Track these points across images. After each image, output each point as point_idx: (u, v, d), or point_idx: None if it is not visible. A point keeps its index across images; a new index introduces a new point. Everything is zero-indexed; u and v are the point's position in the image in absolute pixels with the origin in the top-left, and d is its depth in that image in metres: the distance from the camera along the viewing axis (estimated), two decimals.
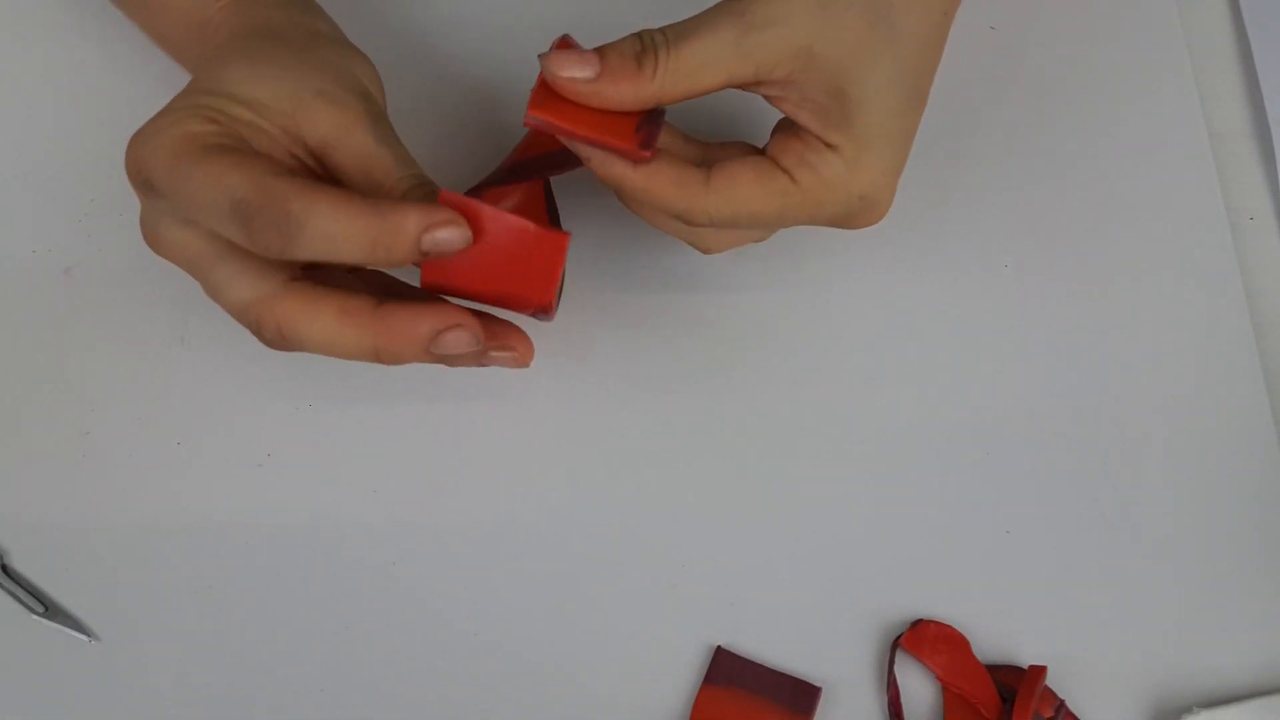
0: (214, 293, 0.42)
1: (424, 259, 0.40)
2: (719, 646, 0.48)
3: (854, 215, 0.44)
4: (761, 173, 0.43)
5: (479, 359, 0.44)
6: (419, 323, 0.41)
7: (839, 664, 0.48)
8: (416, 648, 0.48)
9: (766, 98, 0.43)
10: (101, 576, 0.48)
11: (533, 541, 0.49)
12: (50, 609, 0.48)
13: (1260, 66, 0.57)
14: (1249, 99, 0.57)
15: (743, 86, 0.43)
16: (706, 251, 0.48)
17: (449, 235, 0.39)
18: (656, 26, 0.42)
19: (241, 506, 0.49)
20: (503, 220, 0.41)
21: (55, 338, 0.52)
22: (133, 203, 0.53)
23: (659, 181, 0.43)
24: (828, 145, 0.42)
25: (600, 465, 0.50)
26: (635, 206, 0.45)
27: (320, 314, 0.41)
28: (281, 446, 0.50)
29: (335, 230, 0.38)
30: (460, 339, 0.41)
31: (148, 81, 0.54)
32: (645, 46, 0.41)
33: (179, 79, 0.55)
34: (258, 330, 0.42)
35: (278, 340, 0.42)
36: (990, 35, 0.57)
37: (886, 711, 0.47)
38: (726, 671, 0.47)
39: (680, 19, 0.42)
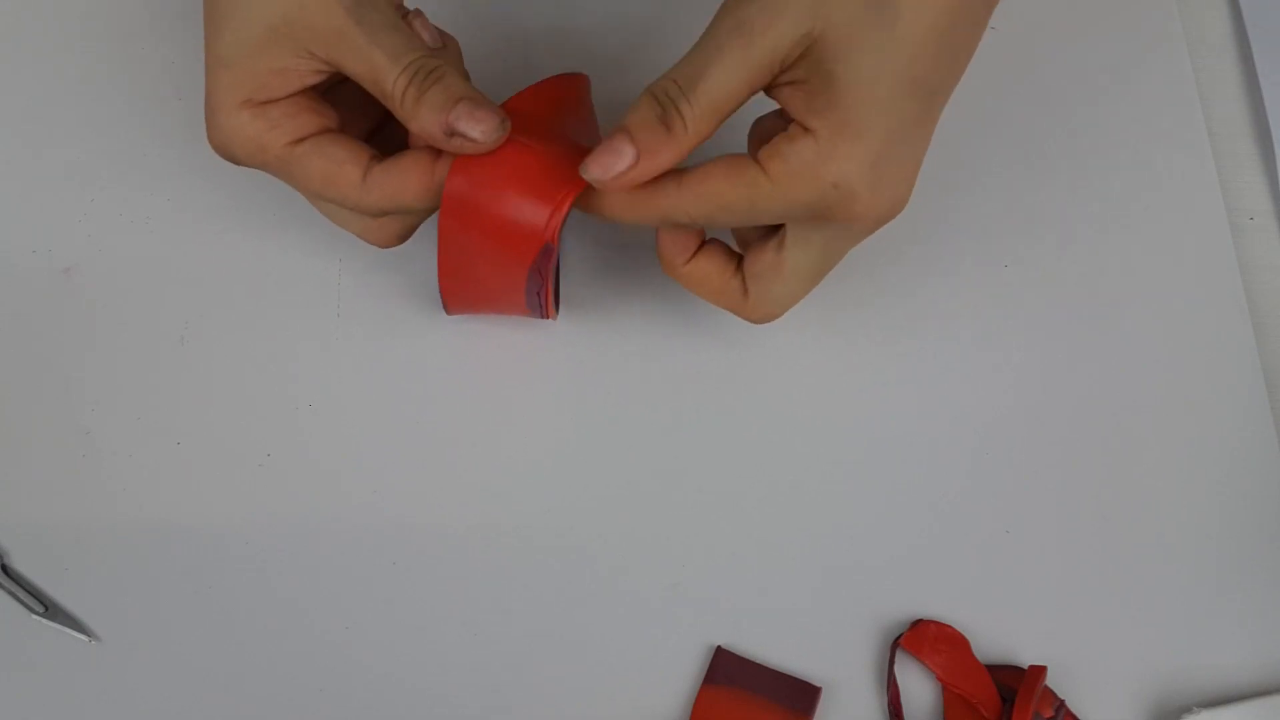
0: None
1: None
2: (719, 646, 0.48)
3: (831, 207, 0.42)
4: (733, 166, 0.42)
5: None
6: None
7: (839, 664, 0.48)
8: (416, 648, 0.48)
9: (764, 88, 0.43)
10: (101, 576, 0.48)
11: (533, 541, 0.49)
12: (50, 609, 0.48)
13: (1260, 66, 0.57)
14: (1249, 99, 0.57)
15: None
16: (761, 320, 0.47)
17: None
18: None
19: (241, 506, 0.49)
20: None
21: (55, 338, 0.52)
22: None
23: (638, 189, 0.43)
24: (806, 130, 0.41)
25: (601, 465, 0.50)
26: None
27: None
28: (281, 446, 0.50)
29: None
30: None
31: (148, 81, 0.54)
32: (663, 105, 0.41)
33: (179, 79, 0.55)
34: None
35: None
36: (990, 35, 0.57)
37: (886, 711, 0.47)
38: (726, 671, 0.47)
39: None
